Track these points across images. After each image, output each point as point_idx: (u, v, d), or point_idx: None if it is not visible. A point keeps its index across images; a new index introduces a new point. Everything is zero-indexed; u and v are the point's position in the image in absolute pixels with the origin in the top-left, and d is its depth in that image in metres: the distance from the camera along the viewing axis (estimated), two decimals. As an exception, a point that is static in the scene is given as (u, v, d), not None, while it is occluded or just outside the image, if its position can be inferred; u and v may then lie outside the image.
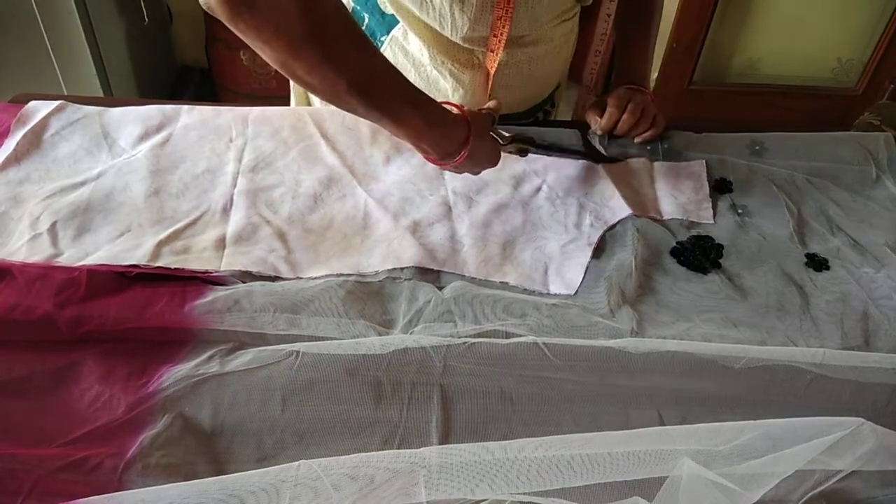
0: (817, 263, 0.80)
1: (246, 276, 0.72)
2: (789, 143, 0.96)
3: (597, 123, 0.92)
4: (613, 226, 0.83)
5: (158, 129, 0.89)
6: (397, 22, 0.88)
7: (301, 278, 0.73)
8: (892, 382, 0.66)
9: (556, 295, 0.75)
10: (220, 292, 0.68)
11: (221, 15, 0.59)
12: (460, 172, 0.80)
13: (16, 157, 0.83)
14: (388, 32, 0.89)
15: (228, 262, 0.73)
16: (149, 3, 1.91)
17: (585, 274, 0.76)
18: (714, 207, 0.87)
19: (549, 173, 0.89)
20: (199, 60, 2.22)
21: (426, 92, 0.72)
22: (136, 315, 0.65)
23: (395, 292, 0.72)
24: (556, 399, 0.64)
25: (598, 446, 0.55)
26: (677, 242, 0.81)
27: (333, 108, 0.98)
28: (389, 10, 0.87)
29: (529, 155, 0.88)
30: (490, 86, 0.90)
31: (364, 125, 0.92)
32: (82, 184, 0.81)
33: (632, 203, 0.84)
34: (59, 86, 1.66)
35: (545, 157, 0.91)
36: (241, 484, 0.51)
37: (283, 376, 0.62)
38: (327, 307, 0.69)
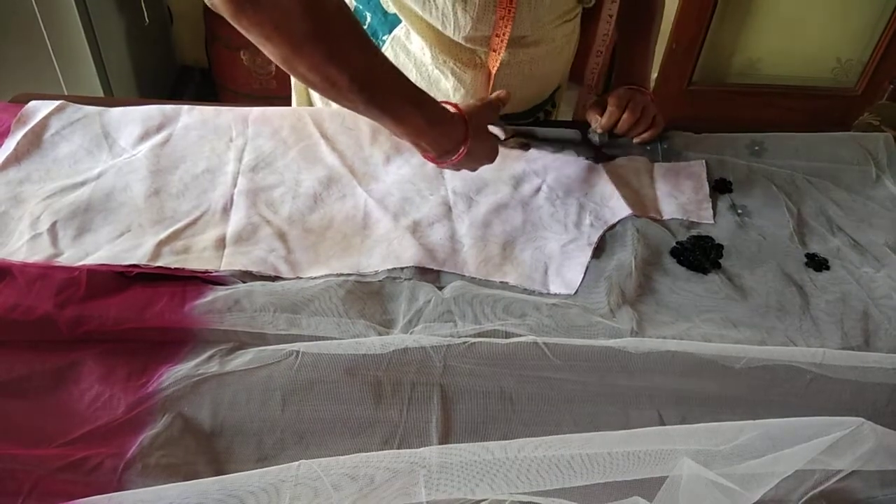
0: (817, 263, 0.80)
1: (246, 276, 0.72)
2: (789, 144, 0.96)
3: (597, 122, 0.92)
4: (613, 226, 0.83)
5: (159, 129, 0.89)
6: (399, 21, 0.88)
7: (301, 278, 0.73)
8: (892, 382, 0.66)
9: (556, 295, 0.75)
10: (220, 292, 0.68)
11: (225, 12, 0.59)
12: (458, 170, 0.81)
13: (16, 157, 0.83)
14: (390, 32, 0.89)
15: (228, 262, 0.73)
16: (149, 3, 1.91)
17: (585, 274, 0.76)
18: (714, 207, 0.87)
19: (549, 173, 0.89)
20: (200, 60, 2.22)
21: (427, 92, 0.72)
22: (136, 315, 0.65)
23: (395, 292, 0.72)
24: (556, 399, 0.64)
25: (597, 446, 0.55)
26: (677, 242, 0.81)
27: (334, 108, 0.99)
28: (392, 9, 0.87)
29: (529, 155, 0.88)
30: (491, 85, 0.90)
31: (364, 125, 0.92)
32: (82, 184, 0.81)
33: (632, 203, 0.84)
34: (60, 86, 1.66)
35: (545, 157, 0.91)
36: (241, 484, 0.51)
37: (283, 376, 0.62)
38: (327, 307, 0.69)
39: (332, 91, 0.66)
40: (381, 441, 0.60)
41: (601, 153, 0.92)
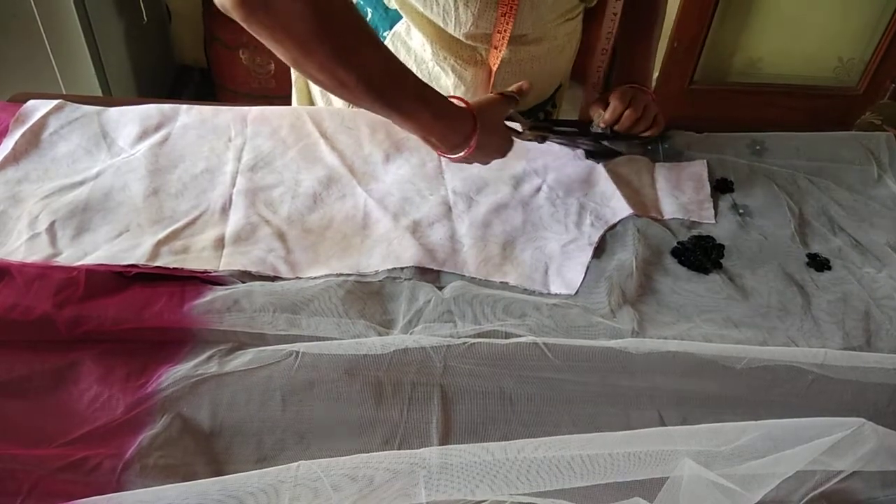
0: (819, 263, 0.80)
1: (245, 276, 0.72)
2: (790, 143, 0.96)
3: (600, 116, 0.92)
4: (614, 226, 0.82)
5: (157, 128, 0.89)
6: (400, 17, 0.88)
7: (301, 278, 0.73)
8: (894, 383, 0.65)
9: (556, 295, 0.74)
10: (219, 292, 0.68)
11: (236, 15, 0.61)
12: (471, 163, 0.81)
13: (14, 157, 0.83)
14: (390, 28, 0.89)
15: (227, 262, 0.73)
16: (148, 2, 1.91)
17: (586, 274, 0.76)
18: (715, 207, 0.87)
19: (550, 173, 0.89)
20: (198, 60, 2.22)
21: None
22: (134, 315, 0.65)
23: (395, 292, 0.72)
24: (557, 399, 0.63)
25: (598, 447, 0.55)
26: (678, 242, 0.81)
27: (334, 106, 0.99)
28: (393, 5, 0.87)
29: (529, 154, 0.88)
30: (492, 83, 0.90)
31: (363, 124, 0.92)
32: (81, 183, 0.81)
33: (632, 203, 0.84)
34: (58, 85, 1.66)
35: (545, 156, 0.90)
36: (241, 484, 0.51)
37: (283, 376, 0.62)
38: (327, 307, 0.68)
39: (341, 90, 0.67)
40: (381, 441, 0.60)
41: (612, 150, 0.92)
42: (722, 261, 0.79)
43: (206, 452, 0.58)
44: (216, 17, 2.00)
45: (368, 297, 0.71)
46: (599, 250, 0.80)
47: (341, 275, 0.73)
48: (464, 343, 0.64)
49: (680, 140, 0.95)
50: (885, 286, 0.77)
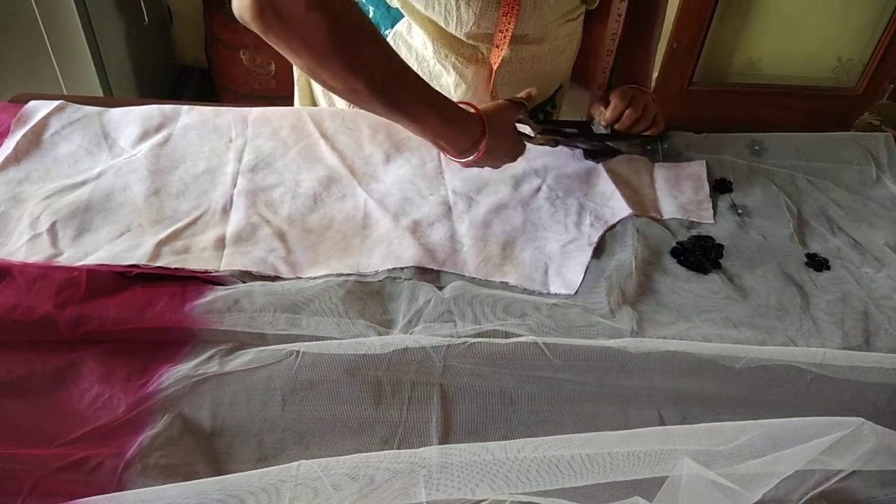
0: (817, 263, 0.80)
1: (246, 276, 0.72)
2: (789, 144, 0.96)
3: (601, 114, 0.92)
4: (613, 226, 0.83)
5: (158, 129, 0.89)
6: (402, 16, 0.88)
7: (301, 278, 0.73)
8: (893, 382, 0.65)
9: (556, 295, 0.75)
10: (219, 292, 0.68)
11: (254, 27, 0.63)
12: (482, 167, 0.83)
13: (15, 157, 0.83)
14: (392, 26, 0.90)
15: (228, 262, 0.73)
16: (149, 3, 1.91)
17: (585, 274, 0.76)
18: (714, 207, 0.87)
19: (549, 173, 0.89)
20: (199, 60, 2.22)
21: None
22: (135, 315, 0.65)
23: (395, 292, 0.72)
24: (556, 399, 0.64)
25: (598, 446, 0.55)
26: (677, 242, 0.81)
27: (334, 107, 0.99)
28: (395, 3, 0.88)
29: (529, 154, 0.88)
30: (492, 81, 0.90)
31: (364, 125, 0.92)
32: (82, 184, 0.81)
33: (632, 203, 0.84)
34: (59, 86, 1.66)
35: (545, 157, 0.91)
36: (241, 484, 0.51)
37: (283, 376, 0.62)
38: (327, 307, 0.68)
39: (353, 96, 0.70)
40: (381, 441, 0.60)
41: (613, 149, 0.92)
42: (721, 261, 0.79)
43: (207, 452, 0.58)
44: (217, 17, 2.00)
45: (368, 297, 0.71)
46: (599, 250, 0.80)
47: (341, 275, 0.73)
48: (464, 343, 0.64)
49: (679, 140, 0.95)
50: (883, 286, 0.77)
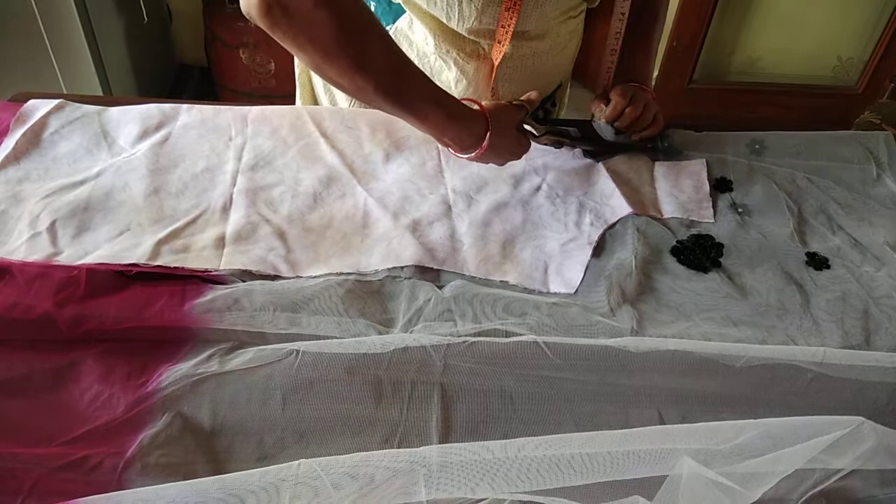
0: (818, 262, 0.80)
1: (245, 275, 0.72)
2: (789, 142, 0.96)
3: (602, 111, 0.92)
4: (613, 224, 0.82)
5: (158, 127, 0.89)
6: (403, 11, 0.88)
7: (301, 277, 0.73)
8: (893, 381, 0.65)
9: (556, 294, 0.74)
10: (219, 291, 0.68)
11: (261, 23, 0.63)
12: (485, 162, 0.83)
13: (15, 156, 0.83)
14: (393, 21, 0.90)
15: (228, 261, 0.73)
16: (148, 1, 1.91)
17: (585, 273, 0.76)
18: (714, 206, 0.87)
19: (549, 172, 0.89)
20: (199, 59, 2.22)
21: None
22: (135, 314, 0.65)
23: (395, 291, 0.72)
24: (556, 398, 0.63)
25: (598, 445, 0.55)
26: (677, 241, 0.81)
27: (334, 106, 0.99)
28: None
29: (529, 154, 0.87)
30: (493, 77, 0.90)
31: (363, 123, 0.92)
32: (82, 182, 0.81)
33: (632, 202, 0.84)
34: (59, 84, 1.66)
35: (545, 155, 0.91)
36: (241, 483, 0.51)
37: (284, 375, 0.62)
38: (327, 306, 0.68)
39: (359, 93, 0.71)
40: (381, 440, 0.60)
41: (613, 148, 0.92)
42: (721, 259, 0.79)
43: (207, 451, 0.58)
44: (216, 16, 2.00)
45: (368, 295, 0.71)
46: (599, 249, 0.80)
47: (341, 274, 0.73)
48: (464, 342, 0.64)
49: (679, 139, 0.95)
50: (883, 285, 0.77)
